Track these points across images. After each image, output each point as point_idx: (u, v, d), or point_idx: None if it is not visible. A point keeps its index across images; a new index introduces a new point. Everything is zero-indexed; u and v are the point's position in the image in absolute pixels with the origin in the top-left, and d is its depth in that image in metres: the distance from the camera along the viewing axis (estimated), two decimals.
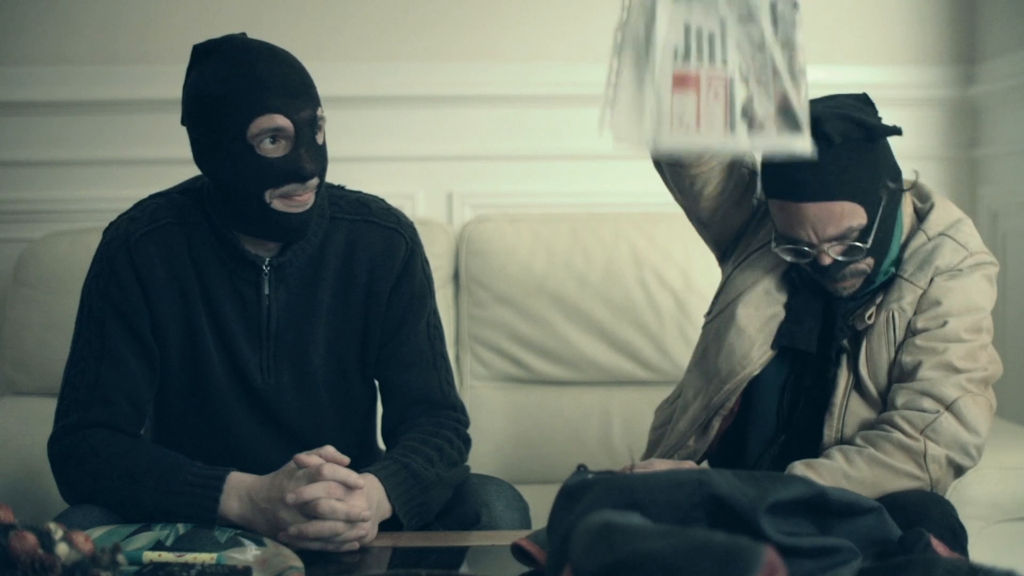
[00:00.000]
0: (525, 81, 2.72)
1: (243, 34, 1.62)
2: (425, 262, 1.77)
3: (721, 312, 1.81)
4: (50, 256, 2.44)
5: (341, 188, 1.76)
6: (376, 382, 1.77)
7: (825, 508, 1.15)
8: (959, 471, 1.68)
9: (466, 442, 1.73)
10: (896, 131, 1.67)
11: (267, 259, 1.64)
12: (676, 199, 1.87)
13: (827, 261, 1.66)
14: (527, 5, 2.75)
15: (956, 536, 1.56)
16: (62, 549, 1.16)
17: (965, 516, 1.64)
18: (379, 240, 1.70)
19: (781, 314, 1.76)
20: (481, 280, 2.49)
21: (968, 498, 1.82)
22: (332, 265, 1.68)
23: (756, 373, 1.75)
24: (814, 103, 1.64)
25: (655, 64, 1.22)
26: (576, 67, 2.72)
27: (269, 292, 1.65)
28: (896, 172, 1.72)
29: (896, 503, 1.54)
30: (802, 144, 1.24)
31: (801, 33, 1.24)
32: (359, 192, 1.76)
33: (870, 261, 1.69)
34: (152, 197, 1.70)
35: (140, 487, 1.53)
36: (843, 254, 1.66)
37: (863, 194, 1.65)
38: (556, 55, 2.72)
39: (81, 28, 2.70)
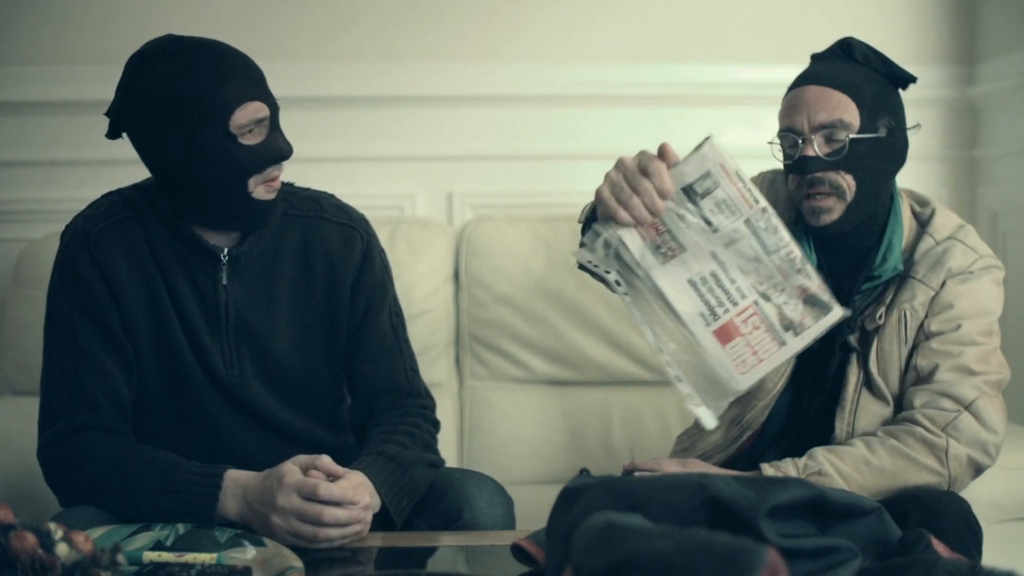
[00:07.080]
0: (525, 81, 2.72)
1: (169, 34, 1.61)
2: (381, 252, 1.79)
3: None
4: (50, 256, 2.40)
5: (291, 185, 1.77)
6: (343, 373, 1.79)
7: (825, 510, 1.15)
8: (978, 471, 1.70)
9: (434, 425, 1.76)
10: (911, 79, 1.76)
11: (225, 249, 1.65)
12: None
13: (810, 152, 1.70)
14: (527, 6, 2.75)
15: (974, 533, 1.58)
16: (62, 549, 1.16)
17: None
18: (335, 236, 1.73)
19: None
20: (481, 280, 2.49)
21: (969, 498, 1.81)
22: (289, 259, 1.70)
23: (784, 385, 1.78)
24: (844, 39, 1.76)
25: (699, 341, 1.32)
26: (576, 67, 2.73)
27: (226, 283, 1.66)
28: (901, 122, 1.75)
29: (914, 497, 1.59)
30: (837, 315, 1.33)
31: (783, 230, 1.32)
32: (309, 189, 1.78)
33: (850, 181, 1.70)
34: (105, 195, 1.71)
35: (138, 488, 1.53)
36: (827, 153, 1.69)
37: (863, 100, 1.70)
38: (556, 56, 2.72)
39: (80, 27, 2.70)
